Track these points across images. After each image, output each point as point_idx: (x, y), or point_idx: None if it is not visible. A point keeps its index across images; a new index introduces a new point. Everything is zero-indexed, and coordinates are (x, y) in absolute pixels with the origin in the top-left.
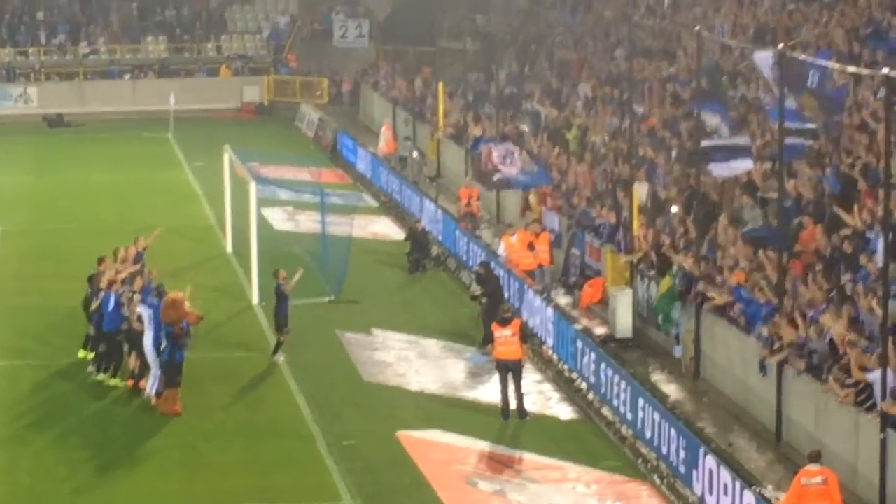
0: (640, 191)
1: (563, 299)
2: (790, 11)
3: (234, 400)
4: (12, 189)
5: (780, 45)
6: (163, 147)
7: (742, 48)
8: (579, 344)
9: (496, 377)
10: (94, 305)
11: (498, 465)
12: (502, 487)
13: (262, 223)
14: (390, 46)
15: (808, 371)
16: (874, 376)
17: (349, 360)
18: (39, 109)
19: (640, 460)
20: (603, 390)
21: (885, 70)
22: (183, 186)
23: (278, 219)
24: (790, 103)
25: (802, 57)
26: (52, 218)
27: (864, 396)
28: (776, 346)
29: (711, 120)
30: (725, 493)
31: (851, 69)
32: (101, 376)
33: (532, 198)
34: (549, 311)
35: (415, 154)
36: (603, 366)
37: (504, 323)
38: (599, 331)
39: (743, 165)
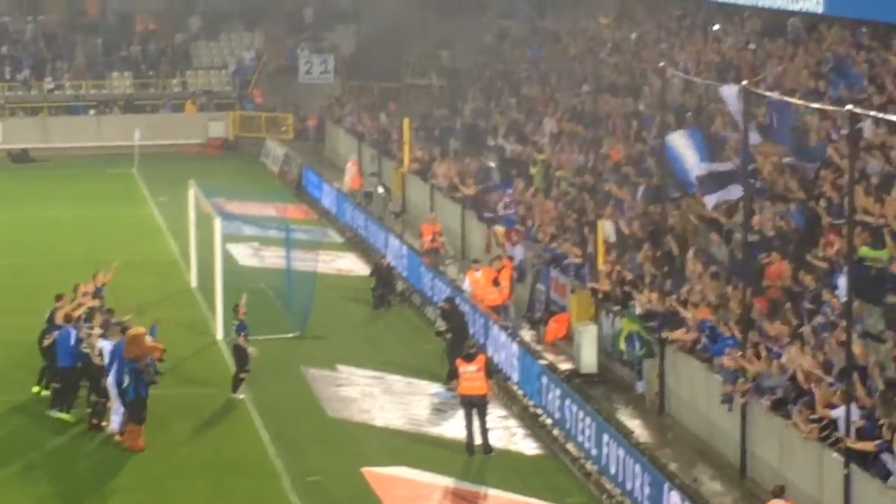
0: (606, 226)
1: (528, 335)
2: (754, 49)
3: (199, 436)
4: None
5: (744, 82)
6: (127, 182)
7: (706, 85)
8: (544, 379)
9: (461, 413)
10: (48, 341)
11: (463, 500)
12: None
13: (227, 258)
14: (356, 82)
15: (773, 407)
16: (839, 412)
17: (314, 395)
18: (4, 145)
19: (604, 496)
20: (568, 426)
21: (849, 106)
22: (148, 222)
23: (243, 254)
24: (755, 138)
25: (766, 93)
26: (17, 253)
27: (828, 432)
28: (740, 380)
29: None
30: None
31: (815, 105)
32: (57, 413)
33: (499, 228)
34: (515, 346)
35: (380, 190)
36: (568, 401)
37: (469, 358)
38: (564, 366)
39: (735, 193)
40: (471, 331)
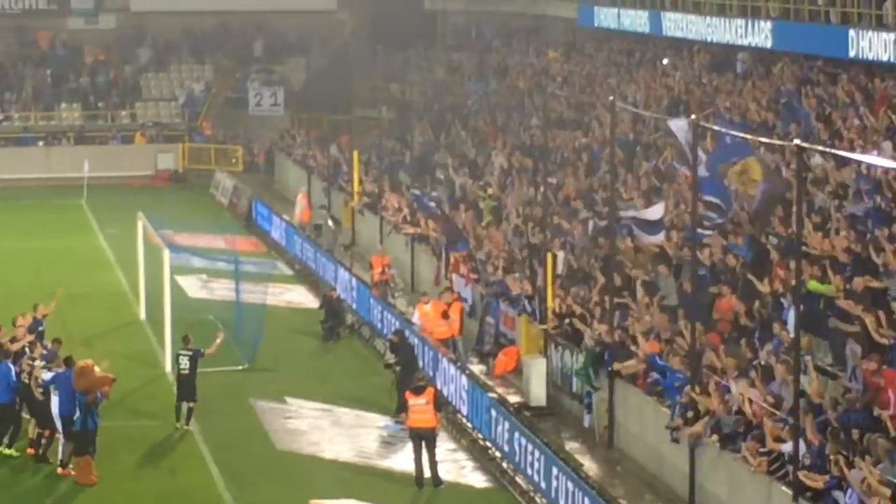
0: (556, 259)
1: (477, 367)
2: (703, 84)
3: (147, 469)
4: None
5: (693, 116)
6: (76, 214)
7: (656, 119)
8: (493, 412)
9: (410, 446)
10: None
11: None
12: None
13: (176, 290)
14: (305, 114)
15: (721, 441)
16: (788, 447)
17: (262, 428)
18: None
19: None
20: (517, 459)
21: (797, 141)
22: (96, 253)
23: (192, 286)
24: (702, 171)
25: (715, 127)
26: None
27: (776, 465)
28: (689, 415)
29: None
30: None
31: (764, 140)
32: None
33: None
34: (464, 379)
35: (329, 222)
36: (517, 434)
37: (418, 391)
38: (513, 399)
39: (654, 239)
40: (420, 364)
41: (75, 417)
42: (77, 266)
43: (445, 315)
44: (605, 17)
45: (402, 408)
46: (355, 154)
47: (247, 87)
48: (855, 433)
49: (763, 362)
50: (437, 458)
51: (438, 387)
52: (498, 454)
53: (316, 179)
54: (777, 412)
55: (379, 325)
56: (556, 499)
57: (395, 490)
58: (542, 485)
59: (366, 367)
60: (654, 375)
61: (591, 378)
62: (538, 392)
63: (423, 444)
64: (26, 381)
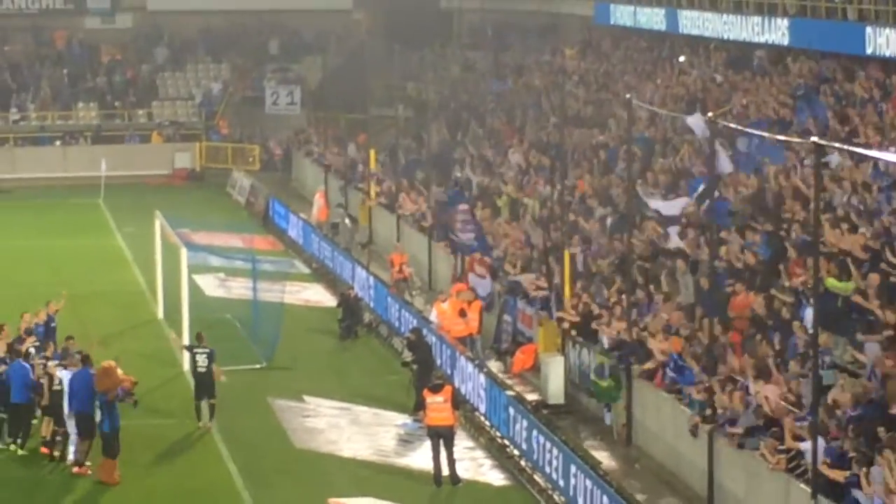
0: (573, 256)
1: (495, 366)
2: (720, 81)
3: (165, 467)
4: None
5: (710, 114)
6: (94, 213)
7: (673, 117)
8: (511, 411)
9: (428, 444)
10: None
11: None
12: None
13: (194, 289)
14: (322, 113)
15: (740, 440)
16: (807, 445)
17: (281, 427)
18: None
19: None
20: (535, 457)
21: (814, 138)
22: (114, 252)
23: (210, 285)
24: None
25: (732, 125)
26: None
27: (795, 463)
28: (707, 412)
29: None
30: None
31: (781, 137)
32: (10, 447)
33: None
34: (482, 377)
35: (347, 221)
36: (535, 432)
37: (435, 389)
38: (531, 397)
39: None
40: (438, 362)
41: (98, 419)
42: (95, 265)
43: (463, 313)
44: (622, 15)
45: (420, 406)
46: (372, 153)
47: (263, 86)
48: (877, 431)
49: (781, 360)
50: (455, 456)
51: (456, 385)
52: (516, 452)
53: (333, 178)
54: (796, 410)
55: (396, 324)
56: (574, 497)
57: (413, 488)
58: (561, 483)
59: (383, 366)
60: (672, 374)
61: (618, 394)
62: (556, 390)
63: (441, 442)
64: (41, 380)
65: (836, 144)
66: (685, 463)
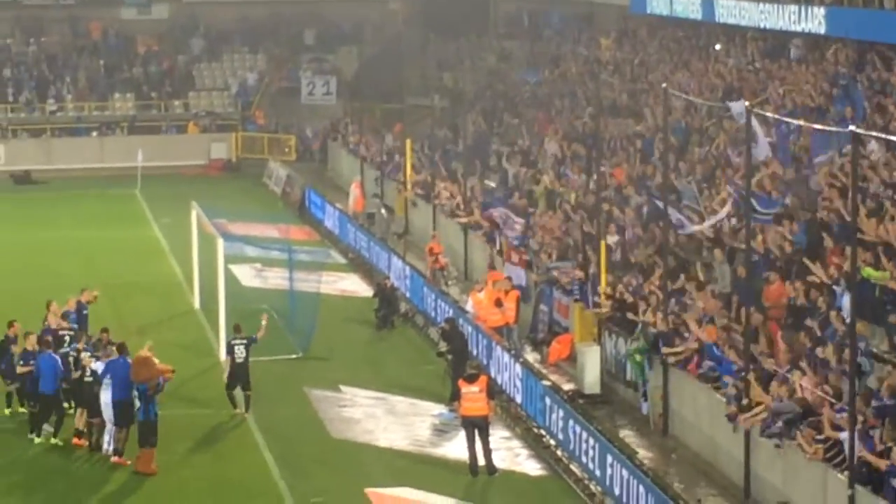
0: (609, 246)
1: (531, 356)
2: (757, 69)
3: (202, 457)
4: None
5: (747, 103)
6: (130, 204)
7: (708, 106)
8: (547, 400)
9: (464, 433)
10: (24, 369)
11: None
12: None
13: (230, 280)
14: (358, 103)
15: (779, 432)
16: (845, 435)
17: (317, 416)
18: (6, 166)
19: None
20: (571, 447)
21: (852, 127)
22: (150, 243)
23: (246, 275)
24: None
25: (769, 114)
26: (18, 275)
27: (832, 453)
28: (744, 402)
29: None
30: None
31: (818, 126)
32: (38, 439)
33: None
34: (518, 367)
35: (382, 211)
36: (571, 422)
37: (471, 379)
38: (567, 387)
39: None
40: (474, 352)
41: (136, 408)
42: (131, 256)
43: (499, 303)
44: (658, 4)
45: (456, 396)
46: (408, 143)
47: (299, 77)
48: None
49: (819, 350)
50: (492, 446)
51: (493, 375)
52: (552, 442)
53: (369, 168)
54: (834, 400)
55: (432, 314)
56: (610, 486)
57: (449, 478)
58: (597, 472)
59: (419, 356)
60: (709, 363)
61: (645, 369)
62: (592, 380)
63: (477, 432)
64: (73, 371)
65: (874, 133)
66: (722, 453)
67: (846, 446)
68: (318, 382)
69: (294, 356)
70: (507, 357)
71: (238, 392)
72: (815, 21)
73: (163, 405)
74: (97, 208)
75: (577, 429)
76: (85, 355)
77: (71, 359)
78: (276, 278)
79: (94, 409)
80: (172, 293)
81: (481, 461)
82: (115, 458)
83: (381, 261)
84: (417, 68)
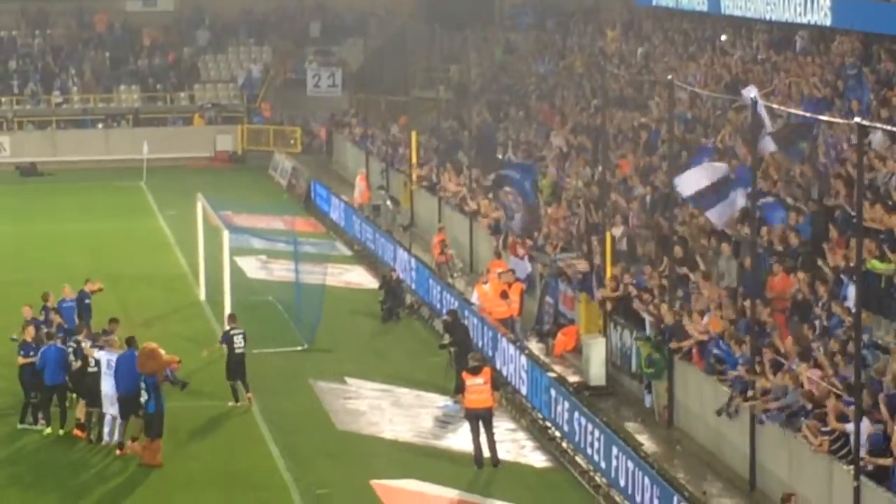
0: (614, 238)
1: (536, 347)
2: (762, 60)
3: (208, 449)
4: None
5: (753, 94)
6: (136, 196)
7: (714, 98)
8: (553, 392)
9: (468, 425)
10: (26, 360)
11: None
12: None
13: (236, 271)
14: (363, 95)
15: (784, 421)
16: (852, 426)
17: (322, 408)
18: (12, 158)
19: None
20: (577, 438)
21: (857, 118)
22: (156, 235)
23: (252, 267)
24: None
25: (775, 105)
26: (24, 267)
27: (838, 445)
28: (749, 393)
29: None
30: None
31: (824, 118)
32: (29, 426)
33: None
34: (523, 359)
35: (388, 203)
36: (576, 414)
37: (475, 371)
38: (573, 379)
39: (740, 202)
40: (479, 344)
41: (143, 400)
42: (137, 248)
43: (504, 295)
44: None
45: (460, 388)
46: (413, 135)
47: (304, 69)
48: None
49: (823, 343)
50: (497, 437)
51: (498, 367)
52: (558, 434)
53: (374, 160)
54: (840, 391)
55: (438, 306)
56: (615, 478)
57: (454, 470)
58: (602, 464)
59: (425, 348)
60: (715, 353)
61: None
62: (598, 371)
63: (481, 423)
64: (74, 362)
65: (879, 125)
66: (727, 444)
67: (852, 438)
68: (324, 374)
69: (299, 348)
70: (512, 349)
71: (239, 383)
72: (820, 13)
73: (168, 397)
74: (103, 200)
75: (583, 420)
76: (86, 345)
77: (71, 349)
78: (281, 270)
79: (93, 400)
80: (178, 285)
81: (486, 453)
82: (119, 451)
83: (387, 253)
84: (423, 60)
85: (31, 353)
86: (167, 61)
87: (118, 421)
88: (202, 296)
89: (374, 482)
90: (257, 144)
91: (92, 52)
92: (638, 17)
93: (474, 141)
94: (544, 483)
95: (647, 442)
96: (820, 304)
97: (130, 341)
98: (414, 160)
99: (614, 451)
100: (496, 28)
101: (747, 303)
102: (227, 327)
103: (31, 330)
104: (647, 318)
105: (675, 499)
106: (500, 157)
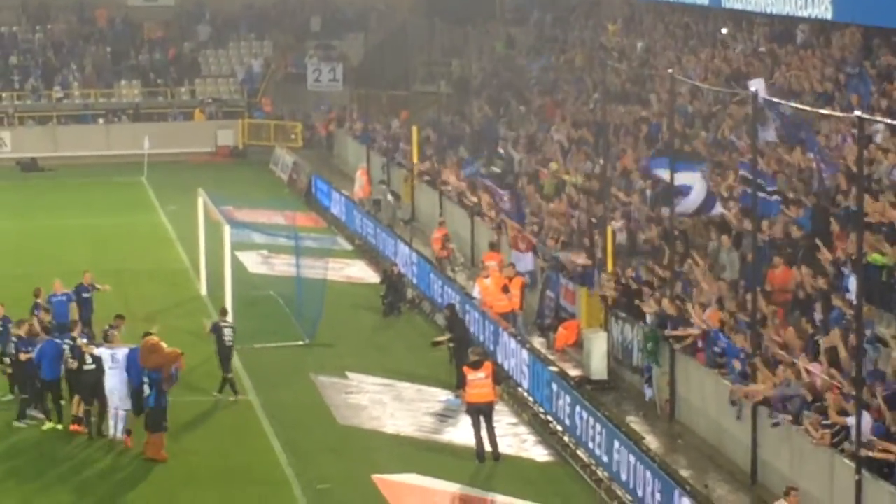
0: (615, 232)
1: (537, 342)
2: (761, 54)
3: (209, 444)
4: None
5: (754, 88)
6: (137, 191)
7: (714, 91)
8: (554, 386)
9: (469, 419)
10: (25, 356)
11: None
12: None
13: (237, 266)
14: (364, 90)
15: (789, 416)
16: (853, 420)
17: (324, 403)
18: (13, 154)
19: (615, 502)
20: (578, 432)
21: (858, 112)
22: (157, 230)
23: (253, 262)
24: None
25: (775, 99)
26: (25, 262)
27: (839, 438)
28: (752, 386)
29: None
30: None
31: (825, 111)
32: (24, 423)
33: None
34: (524, 353)
35: (389, 197)
36: (578, 408)
37: (476, 366)
38: (574, 373)
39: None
40: (480, 338)
41: (146, 395)
42: (138, 243)
43: (506, 289)
44: None
45: (462, 383)
46: (414, 129)
47: (305, 63)
48: None
49: (823, 336)
50: (498, 431)
51: (499, 361)
52: (559, 428)
53: (375, 155)
54: (841, 384)
55: (439, 300)
56: (617, 472)
57: (456, 464)
58: (604, 458)
59: (426, 342)
60: (716, 347)
61: (657, 354)
62: (599, 366)
63: (482, 418)
64: (71, 360)
65: (879, 119)
66: (729, 438)
67: (853, 431)
68: (325, 369)
69: (301, 343)
70: (513, 343)
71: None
72: (821, 6)
73: (171, 392)
74: (103, 196)
75: (584, 415)
76: (82, 342)
77: (66, 347)
78: (282, 265)
79: (90, 397)
80: (179, 280)
81: (488, 447)
82: (127, 441)
83: (388, 247)
84: (423, 55)
85: (29, 349)
86: (168, 56)
87: (121, 414)
88: (203, 291)
89: (376, 476)
90: (258, 139)
91: (93, 47)
92: (638, 11)
93: (475, 135)
94: (546, 477)
95: (648, 436)
96: (821, 298)
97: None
98: (415, 155)
99: (616, 445)
100: (497, 22)
101: (749, 295)
102: (219, 319)
103: (25, 326)
104: (648, 312)
105: (677, 493)
106: (500, 151)
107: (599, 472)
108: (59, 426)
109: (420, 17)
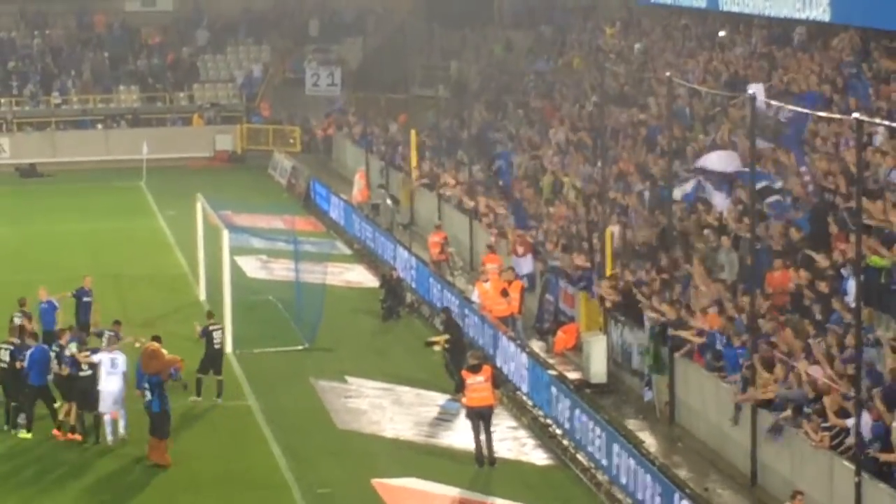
0: (614, 235)
1: (537, 345)
2: (759, 56)
3: (209, 449)
4: None
5: (752, 90)
6: (135, 196)
7: (712, 94)
8: (553, 390)
9: (469, 423)
10: (20, 363)
11: None
12: None
13: (236, 271)
14: (362, 94)
15: (789, 417)
16: (852, 421)
17: (323, 407)
18: (11, 159)
19: None
20: (578, 436)
21: (856, 114)
22: (156, 235)
23: (252, 267)
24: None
25: (774, 102)
26: (24, 268)
27: (838, 440)
28: (750, 389)
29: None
30: None
31: (823, 114)
32: (22, 433)
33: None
34: (524, 357)
35: (388, 201)
36: (577, 412)
37: (475, 370)
38: (574, 376)
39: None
40: (479, 342)
41: (147, 400)
42: (137, 248)
43: (505, 293)
44: None
45: (460, 387)
46: (413, 133)
47: (304, 68)
48: None
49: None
50: (498, 436)
51: (498, 365)
52: (559, 431)
53: (374, 158)
54: (840, 386)
55: (438, 304)
56: (617, 476)
57: (455, 468)
58: (604, 462)
59: (425, 347)
60: (715, 350)
61: (660, 364)
62: (598, 369)
63: (481, 422)
64: (60, 367)
65: (878, 121)
66: (728, 441)
67: (853, 434)
68: (324, 373)
69: (300, 347)
70: (513, 347)
71: (210, 377)
72: (819, 9)
73: (170, 396)
74: (102, 201)
75: (584, 418)
76: (72, 346)
77: (53, 354)
78: (281, 269)
79: (85, 403)
80: (178, 285)
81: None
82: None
83: (387, 251)
84: (422, 58)
85: (22, 356)
86: (166, 61)
87: (121, 412)
88: (202, 296)
89: (376, 481)
90: (257, 144)
91: (91, 52)
92: (637, 15)
93: (473, 139)
94: (546, 481)
95: (648, 439)
96: (819, 300)
97: (156, 340)
98: (413, 159)
99: (615, 448)
100: (495, 26)
101: (748, 298)
102: (207, 323)
103: (16, 331)
104: (647, 315)
105: (677, 496)
106: (498, 153)
107: (599, 476)
108: (56, 432)
109: (418, 21)
